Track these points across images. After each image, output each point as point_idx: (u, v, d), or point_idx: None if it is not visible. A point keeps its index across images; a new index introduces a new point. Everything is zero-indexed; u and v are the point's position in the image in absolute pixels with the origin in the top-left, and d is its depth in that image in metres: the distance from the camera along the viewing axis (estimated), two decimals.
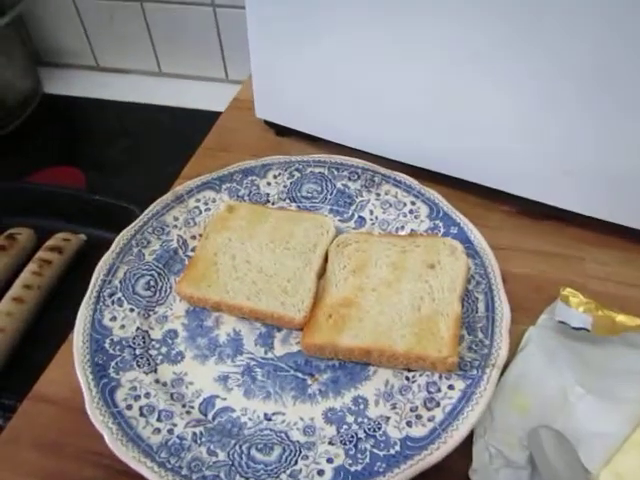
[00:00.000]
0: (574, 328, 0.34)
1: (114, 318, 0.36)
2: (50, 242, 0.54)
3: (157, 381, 0.33)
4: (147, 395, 0.32)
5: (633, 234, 0.40)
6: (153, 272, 0.39)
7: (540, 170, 0.41)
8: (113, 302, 0.37)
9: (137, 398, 0.32)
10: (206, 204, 0.44)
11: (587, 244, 0.41)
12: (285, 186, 0.45)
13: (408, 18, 0.39)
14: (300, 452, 0.30)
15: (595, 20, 0.33)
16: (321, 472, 0.28)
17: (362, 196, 0.44)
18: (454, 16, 0.37)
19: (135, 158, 0.65)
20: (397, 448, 0.29)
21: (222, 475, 0.28)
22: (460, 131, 0.43)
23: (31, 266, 0.52)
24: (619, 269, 0.40)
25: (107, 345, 0.34)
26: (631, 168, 0.38)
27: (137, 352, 0.35)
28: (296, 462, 0.29)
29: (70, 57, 0.84)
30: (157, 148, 0.67)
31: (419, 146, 0.45)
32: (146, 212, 0.42)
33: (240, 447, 0.30)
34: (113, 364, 0.33)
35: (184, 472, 0.28)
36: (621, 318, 0.34)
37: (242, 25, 0.47)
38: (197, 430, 0.31)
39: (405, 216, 0.42)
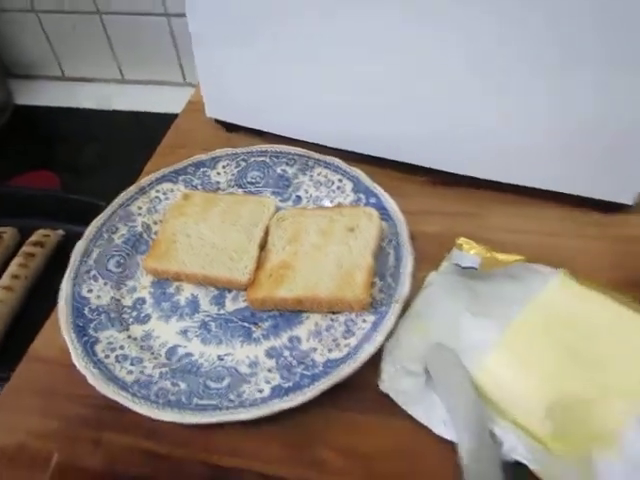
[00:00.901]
0: (465, 267, 0.42)
1: (91, 290, 0.43)
2: (33, 238, 0.61)
3: (129, 337, 0.41)
4: (121, 347, 0.40)
5: (522, 191, 0.48)
6: (122, 253, 0.47)
7: (447, 145, 0.49)
8: (89, 278, 0.44)
9: (113, 350, 0.40)
10: (165, 194, 0.51)
11: (487, 202, 0.49)
12: (233, 174, 0.53)
13: (329, 16, 0.44)
14: (245, 379, 0.37)
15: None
16: (261, 390, 0.36)
17: (298, 178, 0.52)
18: (374, 9, 0.43)
19: (104, 160, 0.72)
20: (320, 368, 0.37)
21: (183, 399, 0.36)
22: (379, 117, 0.50)
23: (17, 259, 0.59)
24: (511, 220, 0.48)
25: (86, 311, 0.42)
26: (517, 137, 0.46)
27: (112, 316, 0.42)
28: (241, 386, 0.37)
29: (38, 69, 0.90)
30: (124, 150, 0.74)
31: (346, 132, 0.52)
32: (113, 203, 0.49)
33: (197, 379, 0.38)
34: (92, 325, 0.41)
35: (152, 398, 0.36)
36: (502, 257, 0.43)
37: None
38: (163, 370, 0.38)
39: (334, 192, 0.50)
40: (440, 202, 0.51)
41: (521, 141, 0.46)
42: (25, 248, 0.60)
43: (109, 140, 0.76)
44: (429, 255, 0.45)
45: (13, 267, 0.58)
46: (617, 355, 0.34)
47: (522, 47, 0.40)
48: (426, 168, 0.51)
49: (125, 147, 0.74)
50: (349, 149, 0.53)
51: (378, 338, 0.38)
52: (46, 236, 0.61)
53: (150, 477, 0.34)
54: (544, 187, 0.47)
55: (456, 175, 0.50)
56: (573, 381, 0.34)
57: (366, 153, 0.53)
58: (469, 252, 0.44)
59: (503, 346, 0.36)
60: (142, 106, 0.81)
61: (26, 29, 0.84)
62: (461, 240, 0.44)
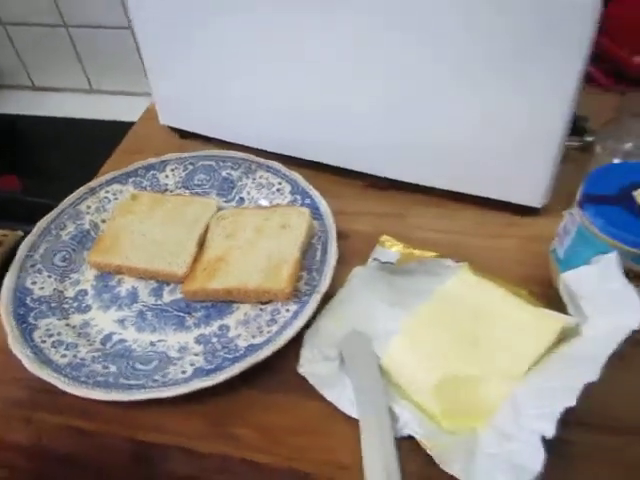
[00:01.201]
0: (383, 262, 0.45)
1: (34, 282, 0.46)
2: None
3: (67, 325, 0.44)
4: (59, 334, 0.42)
5: (443, 194, 0.52)
6: (68, 248, 0.49)
7: (378, 152, 0.53)
8: (34, 271, 0.47)
9: (50, 336, 0.42)
10: (114, 194, 0.54)
11: (412, 204, 0.53)
12: (180, 177, 0.56)
13: (266, 29, 0.48)
14: (172, 362, 0.40)
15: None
16: (184, 372, 0.39)
17: (242, 181, 0.55)
18: (310, 20, 0.46)
19: (66, 165, 0.75)
20: (241, 352, 0.40)
21: (110, 379, 0.39)
22: (318, 125, 0.54)
23: None
24: (431, 220, 0.52)
25: (28, 301, 0.44)
26: (437, 146, 0.49)
27: (52, 305, 0.45)
28: (167, 367, 0.40)
29: (7, 79, 0.93)
30: (87, 156, 0.76)
31: (287, 138, 0.56)
32: (63, 202, 0.52)
33: (127, 362, 0.40)
34: (32, 314, 0.43)
35: (82, 379, 0.38)
36: (418, 253, 0.46)
37: None
38: (96, 354, 0.41)
39: (274, 194, 0.53)
40: (372, 204, 0.54)
41: (440, 149, 0.49)
42: None
43: (74, 147, 0.79)
44: (359, 252, 0.48)
45: None
46: (504, 340, 0.37)
47: (439, 63, 0.44)
48: (360, 172, 0.55)
49: (88, 154, 0.76)
50: (291, 154, 0.57)
51: (297, 324, 0.41)
52: (4, 236, 0.64)
53: (78, 454, 0.37)
54: (461, 190, 0.51)
55: (386, 179, 0.54)
56: (463, 363, 0.37)
57: (306, 158, 0.57)
58: (390, 249, 0.47)
59: (404, 332, 0.39)
60: (107, 115, 0.84)
61: None
62: (384, 238, 0.48)
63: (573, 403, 0.31)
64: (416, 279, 0.45)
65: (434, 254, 0.46)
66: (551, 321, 0.38)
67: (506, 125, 0.45)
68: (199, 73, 0.56)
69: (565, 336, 0.38)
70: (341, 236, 0.50)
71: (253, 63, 0.52)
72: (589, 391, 0.39)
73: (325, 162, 0.56)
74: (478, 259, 0.45)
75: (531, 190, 0.48)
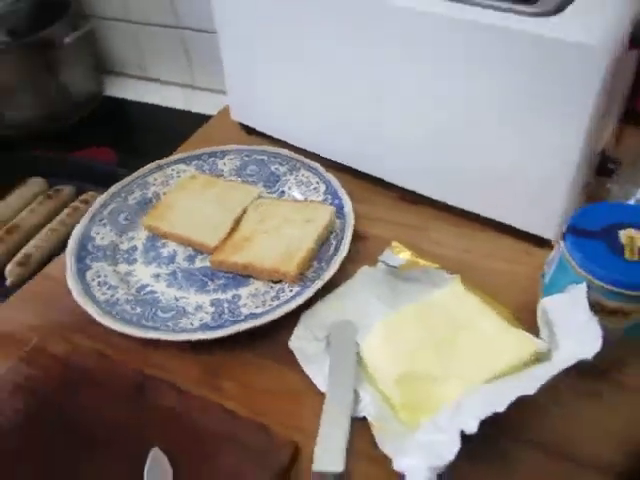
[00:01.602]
0: (388, 265, 0.49)
1: (98, 233, 0.56)
2: (82, 197, 0.75)
3: (114, 271, 0.52)
4: (105, 277, 0.51)
5: (467, 215, 0.55)
6: (131, 210, 0.59)
7: (414, 169, 0.57)
8: (100, 224, 0.56)
9: (98, 277, 0.51)
10: (178, 172, 0.63)
11: (435, 219, 0.56)
12: (235, 166, 0.63)
13: (352, 51, 0.53)
14: (186, 315, 0.47)
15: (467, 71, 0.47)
16: (192, 324, 0.46)
17: (286, 176, 0.61)
18: (380, 56, 0.51)
19: (156, 147, 0.85)
20: (242, 317, 0.46)
21: (134, 319, 0.46)
22: (361, 137, 0.59)
23: (66, 210, 0.73)
24: (448, 236, 0.55)
25: (89, 247, 0.54)
26: (468, 170, 0.53)
27: (107, 253, 0.54)
28: (181, 319, 0.47)
29: (124, 67, 1.07)
30: (173, 140, 0.87)
31: (334, 145, 0.62)
32: (135, 173, 0.62)
33: (151, 309, 0.48)
34: (89, 257, 0.53)
35: (113, 314, 0.47)
36: (423, 262, 0.49)
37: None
38: (129, 297, 0.49)
39: (310, 191, 0.59)
40: (397, 214, 0.58)
41: (469, 174, 0.53)
42: (74, 204, 0.74)
43: (166, 132, 0.90)
44: (373, 254, 0.52)
45: (62, 216, 0.73)
46: (473, 350, 0.40)
47: (478, 102, 0.48)
48: (393, 185, 0.59)
49: (176, 138, 0.88)
50: (335, 159, 0.62)
51: (295, 303, 0.46)
52: (93, 197, 0.75)
53: (95, 372, 0.45)
54: (482, 213, 0.53)
55: (415, 193, 0.58)
56: (427, 362, 0.40)
57: (348, 165, 0.62)
58: (398, 254, 0.51)
59: (382, 326, 0.43)
60: (198, 108, 0.95)
61: (119, 35, 1.02)
62: (394, 244, 0.52)
63: (502, 410, 0.33)
64: (416, 286, 0.48)
65: (436, 265, 0.49)
66: (523, 342, 0.40)
67: (528, 161, 0.48)
68: (266, 79, 0.63)
69: (537, 360, 0.40)
70: (360, 238, 0.55)
71: (313, 76, 0.58)
72: (553, 417, 0.40)
73: (363, 170, 0.61)
74: (483, 279, 0.48)
75: (546, 223, 0.50)
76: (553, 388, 0.42)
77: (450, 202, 0.55)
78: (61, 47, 0.89)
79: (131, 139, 0.93)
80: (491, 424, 0.39)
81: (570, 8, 0.42)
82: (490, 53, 0.45)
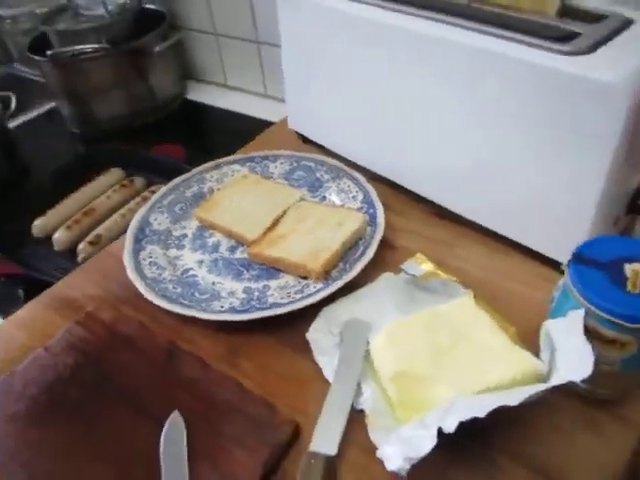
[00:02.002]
0: (407, 273, 0.52)
1: (156, 219, 0.62)
2: (151, 188, 0.84)
3: (164, 254, 0.59)
4: (156, 258, 0.58)
5: (495, 235, 0.56)
6: (187, 202, 0.65)
7: (451, 187, 0.59)
8: (159, 212, 0.63)
9: (150, 257, 0.58)
10: (233, 172, 0.69)
11: (464, 237, 0.58)
12: (285, 170, 0.69)
13: (401, 78, 0.57)
14: (219, 298, 0.52)
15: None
16: (222, 307, 0.51)
17: (329, 184, 0.66)
18: (422, 84, 0.55)
19: (223, 146, 0.92)
20: (266, 305, 0.50)
21: (173, 297, 0.52)
22: (403, 153, 0.62)
23: (137, 199, 0.82)
24: (473, 254, 0.56)
25: (147, 231, 0.61)
26: (499, 194, 0.54)
27: (161, 238, 0.61)
28: (213, 301, 0.52)
29: (207, 75, 1.17)
30: (238, 142, 0.94)
31: (378, 159, 0.65)
32: (195, 170, 0.69)
33: (190, 290, 0.54)
34: (145, 240, 0.60)
35: (156, 290, 0.53)
36: (443, 274, 0.51)
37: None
38: (173, 278, 0.55)
39: (349, 199, 0.63)
40: (429, 228, 0.60)
41: (502, 198, 0.54)
42: (145, 193, 0.83)
43: (235, 135, 0.97)
44: (397, 263, 0.56)
45: (131, 205, 0.81)
46: (472, 361, 0.41)
47: (512, 138, 0.50)
48: (429, 200, 0.62)
49: (241, 141, 0.95)
50: (377, 172, 0.66)
51: (316, 298, 0.50)
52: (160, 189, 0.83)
53: (134, 339, 0.51)
54: (510, 236, 0.55)
55: (449, 211, 0.60)
56: (424, 364, 0.42)
57: (389, 178, 0.65)
58: (420, 265, 0.53)
59: (389, 328, 0.45)
60: (267, 115, 1.01)
61: (204, 45, 1.11)
62: (418, 255, 0.54)
63: (482, 415, 0.35)
64: (433, 297, 0.50)
65: (455, 279, 0.51)
66: (522, 360, 0.41)
67: (553, 192, 0.50)
68: (320, 94, 0.68)
69: (537, 381, 0.41)
70: (389, 247, 0.58)
71: (363, 95, 0.62)
72: (549, 441, 0.41)
73: (402, 184, 0.64)
74: (497, 298, 0.50)
75: (568, 251, 0.50)
76: (554, 413, 0.43)
77: (479, 221, 0.57)
78: (151, 55, 1.00)
79: (201, 139, 1.02)
80: (482, 436, 0.41)
81: (602, 49, 0.44)
82: (520, 86, 0.47)
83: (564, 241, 0.50)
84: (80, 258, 0.73)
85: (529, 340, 0.45)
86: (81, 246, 0.74)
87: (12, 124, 1.08)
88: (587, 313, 0.38)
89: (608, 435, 0.42)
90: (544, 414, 0.43)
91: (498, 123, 0.51)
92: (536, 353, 0.42)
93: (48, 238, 0.77)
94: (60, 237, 0.76)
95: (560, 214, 0.50)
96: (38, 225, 0.78)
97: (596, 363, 0.38)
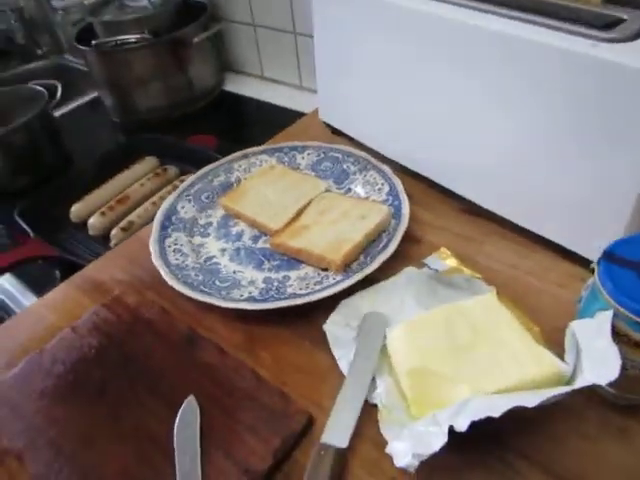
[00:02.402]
0: (430, 268, 0.50)
1: (183, 207, 0.63)
2: (183, 177, 0.85)
3: (189, 241, 0.60)
4: (181, 245, 0.59)
5: (524, 232, 0.54)
6: (214, 191, 0.66)
7: (481, 183, 0.57)
8: (186, 200, 0.64)
9: (175, 244, 0.58)
10: (261, 162, 0.69)
11: (492, 233, 0.56)
12: (312, 161, 0.68)
13: (434, 71, 0.55)
14: (239, 287, 0.53)
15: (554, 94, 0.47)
16: (242, 295, 0.51)
17: (355, 175, 0.65)
18: (467, 70, 0.52)
19: (255, 137, 0.93)
20: (285, 296, 0.50)
21: (195, 283, 0.53)
22: (434, 148, 0.60)
23: (169, 187, 0.83)
24: (500, 251, 0.54)
25: (173, 218, 0.62)
26: (534, 189, 0.52)
27: (187, 225, 0.61)
28: (233, 289, 0.52)
29: (244, 67, 1.18)
30: (272, 133, 0.94)
31: (409, 153, 0.64)
32: (223, 159, 0.69)
33: (211, 277, 0.54)
34: (171, 227, 0.61)
35: (179, 277, 0.54)
36: (467, 271, 0.50)
37: None
38: (196, 265, 0.56)
39: (374, 191, 0.62)
40: (457, 224, 0.59)
41: (537, 194, 0.52)
42: (176, 182, 0.84)
43: (267, 125, 0.98)
44: (422, 258, 0.54)
45: (164, 192, 0.83)
46: (492, 360, 0.40)
47: (551, 133, 0.48)
48: (460, 196, 0.60)
49: (274, 132, 0.95)
50: (407, 166, 0.65)
51: (333, 290, 0.49)
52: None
53: (155, 323, 0.52)
54: (543, 234, 0.53)
55: (480, 207, 0.58)
56: (441, 362, 0.41)
57: (418, 172, 0.64)
58: (444, 260, 0.52)
59: (408, 322, 0.44)
60: (302, 107, 1.01)
61: (242, 37, 1.11)
62: (442, 249, 0.53)
63: (496, 415, 0.34)
64: (456, 293, 0.49)
65: (479, 276, 0.49)
66: (544, 361, 0.40)
67: (590, 188, 0.47)
68: (352, 85, 0.67)
69: (559, 383, 0.39)
70: (415, 241, 0.57)
71: (396, 88, 0.61)
72: (571, 446, 0.39)
73: (432, 179, 0.62)
74: (525, 297, 0.48)
75: (601, 249, 0.47)
76: (578, 418, 0.41)
77: (510, 218, 0.55)
78: (191, 46, 1.01)
79: (236, 130, 1.03)
80: (501, 439, 0.40)
81: None
82: (559, 77, 0.45)
83: (597, 239, 0.48)
84: (112, 244, 0.75)
85: (555, 340, 0.43)
86: (113, 232, 0.76)
87: (58, 112, 1.12)
88: (616, 314, 0.36)
89: (637, 443, 0.39)
90: (568, 419, 0.41)
91: (534, 117, 0.48)
92: (562, 354, 0.41)
93: (84, 223, 0.79)
94: (94, 222, 0.78)
95: (595, 211, 0.47)
96: (75, 211, 0.81)
97: (624, 367, 0.36)
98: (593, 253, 0.49)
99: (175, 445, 0.42)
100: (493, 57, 0.49)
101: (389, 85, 0.62)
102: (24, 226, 0.77)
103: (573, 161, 0.48)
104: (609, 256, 0.37)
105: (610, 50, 0.42)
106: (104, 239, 0.77)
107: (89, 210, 0.81)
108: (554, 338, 0.43)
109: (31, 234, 0.76)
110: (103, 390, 0.47)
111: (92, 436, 0.44)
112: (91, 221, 0.78)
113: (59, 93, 1.07)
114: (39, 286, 0.71)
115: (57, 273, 0.76)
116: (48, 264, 0.79)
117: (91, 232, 0.78)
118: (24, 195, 0.87)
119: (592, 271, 0.40)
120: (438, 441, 0.33)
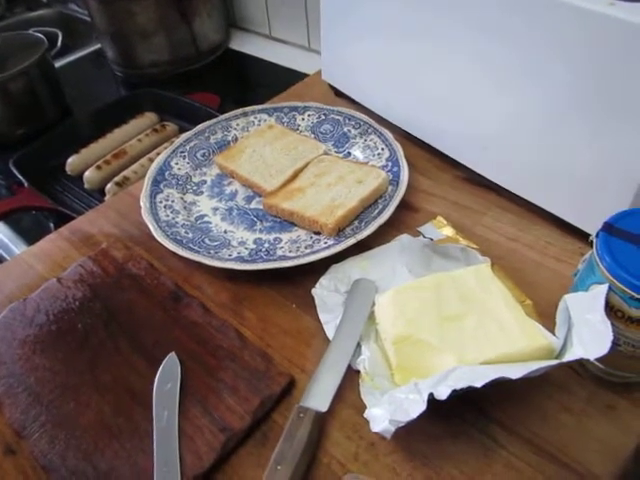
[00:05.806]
0: (425, 236, 0.49)
1: (177, 163, 0.62)
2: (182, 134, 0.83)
3: (181, 198, 0.58)
4: (172, 202, 0.57)
5: (524, 204, 0.52)
6: (210, 149, 0.64)
7: (482, 150, 0.55)
8: (180, 156, 0.63)
9: (167, 200, 0.57)
10: (259, 121, 0.67)
11: (492, 204, 0.55)
12: (312, 122, 0.66)
13: (443, 34, 0.52)
14: (228, 247, 0.51)
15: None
16: (230, 255, 0.50)
17: (355, 139, 0.63)
18: (474, 39, 0.50)
19: (258, 97, 0.90)
20: (274, 258, 0.49)
21: (184, 241, 0.52)
22: (438, 114, 0.58)
23: (166, 144, 0.81)
24: (500, 223, 0.53)
25: (166, 174, 0.60)
26: (540, 161, 0.50)
27: (179, 182, 0.60)
28: (222, 249, 0.51)
29: (251, 25, 1.14)
30: (275, 93, 0.91)
31: (411, 118, 0.61)
32: (221, 116, 0.67)
33: (201, 236, 0.53)
34: (164, 183, 0.59)
35: (168, 234, 0.52)
36: (463, 241, 0.48)
37: None
38: (186, 223, 0.55)
39: (374, 156, 0.60)
40: (457, 194, 0.57)
41: (542, 166, 0.50)
42: (175, 139, 0.82)
43: (271, 86, 0.95)
44: (417, 226, 0.53)
45: (161, 148, 0.81)
46: (479, 330, 0.39)
47: (561, 104, 0.46)
48: (461, 164, 0.58)
49: (278, 93, 0.92)
50: (410, 132, 0.62)
51: (323, 254, 0.48)
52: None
53: (142, 278, 0.51)
54: (545, 207, 0.51)
55: (480, 176, 0.56)
56: (428, 331, 0.39)
57: (420, 138, 0.61)
58: (440, 229, 0.50)
59: (397, 289, 0.43)
60: (307, 68, 0.98)
61: None
62: (439, 218, 0.51)
63: (479, 385, 0.33)
64: (451, 264, 0.48)
65: (476, 247, 0.48)
66: (533, 334, 0.38)
67: (597, 160, 0.45)
68: (357, 46, 0.64)
69: (548, 357, 0.38)
70: (412, 209, 0.55)
71: (403, 49, 0.58)
72: (558, 421, 0.38)
73: (434, 145, 0.60)
74: (520, 270, 0.47)
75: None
76: (565, 393, 0.40)
77: (513, 189, 0.53)
78: None
79: (240, 90, 1.00)
80: (484, 411, 0.39)
81: None
82: (568, 39, 0.42)
83: (601, 214, 0.46)
84: (107, 198, 0.74)
85: (550, 315, 0.41)
86: (108, 186, 0.74)
87: (59, 63, 1.09)
88: (611, 289, 0.34)
89: (622, 419, 0.38)
90: (554, 394, 0.40)
91: (544, 83, 0.46)
92: (552, 329, 0.39)
93: (80, 176, 0.78)
94: (90, 176, 0.76)
95: (600, 184, 0.45)
96: (71, 163, 0.79)
97: (616, 343, 0.35)
98: (595, 228, 0.47)
99: (154, 400, 0.41)
100: (506, 17, 0.46)
101: (395, 47, 0.59)
102: (19, 176, 0.76)
103: (580, 132, 0.45)
104: (609, 228, 0.36)
105: (628, 9, 0.39)
106: (100, 193, 0.76)
107: (85, 163, 0.79)
108: (549, 312, 0.42)
109: (25, 184, 0.75)
110: (85, 342, 0.46)
111: (71, 386, 0.43)
112: (87, 174, 0.77)
113: (59, 41, 1.05)
114: (32, 237, 0.70)
115: (51, 225, 0.75)
116: (43, 215, 0.78)
117: (86, 185, 0.77)
118: (22, 146, 0.85)
119: (591, 244, 0.38)
120: (417, 409, 0.32)
